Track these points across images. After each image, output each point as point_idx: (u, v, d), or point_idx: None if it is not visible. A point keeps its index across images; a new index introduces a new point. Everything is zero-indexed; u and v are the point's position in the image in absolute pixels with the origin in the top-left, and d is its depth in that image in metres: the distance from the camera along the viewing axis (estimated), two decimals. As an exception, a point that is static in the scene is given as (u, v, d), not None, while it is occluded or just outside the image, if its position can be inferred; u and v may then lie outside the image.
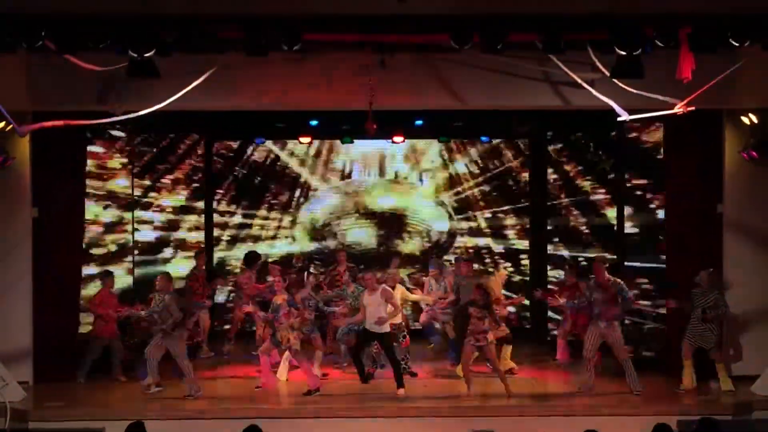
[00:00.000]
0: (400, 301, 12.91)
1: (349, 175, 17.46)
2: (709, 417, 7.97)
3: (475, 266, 14.46)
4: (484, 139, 17.14)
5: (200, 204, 16.79)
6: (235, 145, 17.21)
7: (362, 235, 17.39)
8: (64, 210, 12.77)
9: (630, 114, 11.16)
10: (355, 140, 16.46)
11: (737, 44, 10.27)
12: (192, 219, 16.76)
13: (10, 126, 11.32)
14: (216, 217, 17.10)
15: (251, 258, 14.46)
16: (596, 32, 10.61)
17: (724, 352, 12.15)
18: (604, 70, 10.79)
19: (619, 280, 11.83)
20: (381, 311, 11.94)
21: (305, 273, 13.51)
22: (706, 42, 10.36)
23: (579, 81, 11.13)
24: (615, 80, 10.75)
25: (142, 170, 15.75)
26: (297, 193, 17.37)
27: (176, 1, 10.51)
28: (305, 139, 16.52)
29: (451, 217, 17.40)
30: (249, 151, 17.26)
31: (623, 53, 10.23)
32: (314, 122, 15.73)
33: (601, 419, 10.46)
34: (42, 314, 12.52)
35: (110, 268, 13.87)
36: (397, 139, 16.21)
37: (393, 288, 12.77)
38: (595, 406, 11.25)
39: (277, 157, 17.31)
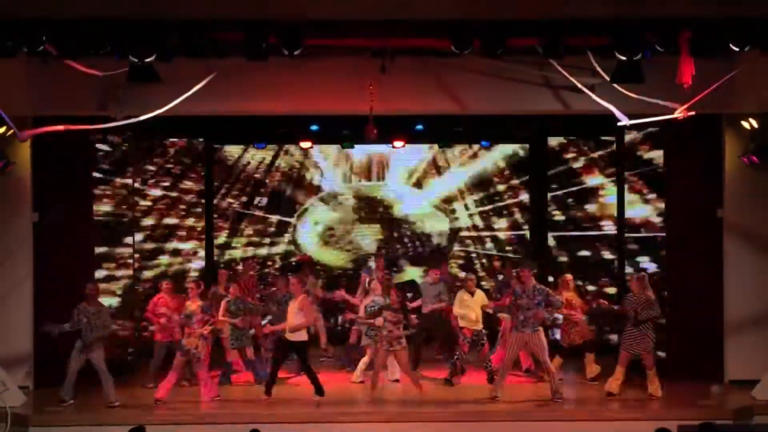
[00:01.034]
0: (481, 307, 12.68)
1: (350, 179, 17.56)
2: (709, 422, 7.95)
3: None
4: (484, 143, 17.20)
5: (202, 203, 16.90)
6: (240, 149, 17.27)
7: (365, 241, 17.44)
8: (65, 214, 12.77)
9: (630, 119, 11.17)
10: (355, 145, 16.47)
11: (737, 49, 10.27)
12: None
13: (11, 131, 11.34)
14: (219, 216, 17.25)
15: (299, 264, 14.64)
16: (596, 37, 10.62)
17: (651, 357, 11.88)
18: (604, 75, 10.80)
19: (545, 288, 11.71)
20: (296, 319, 11.70)
21: (367, 278, 13.38)
22: (705, 47, 10.36)
23: (579, 86, 11.15)
24: (615, 85, 10.76)
25: (142, 174, 15.78)
26: (304, 197, 17.43)
27: (177, 6, 10.52)
28: (306, 144, 16.55)
29: (452, 222, 17.46)
30: (253, 156, 17.35)
31: (623, 58, 10.23)
32: (315, 127, 15.75)
33: (602, 424, 10.47)
34: (43, 319, 12.49)
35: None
36: (398, 143, 16.22)
37: (472, 294, 12.64)
38: (596, 412, 11.24)
39: (283, 162, 17.39)
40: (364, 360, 12.86)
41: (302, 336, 11.80)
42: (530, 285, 11.55)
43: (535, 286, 11.57)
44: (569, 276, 13.13)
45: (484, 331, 12.84)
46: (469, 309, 12.64)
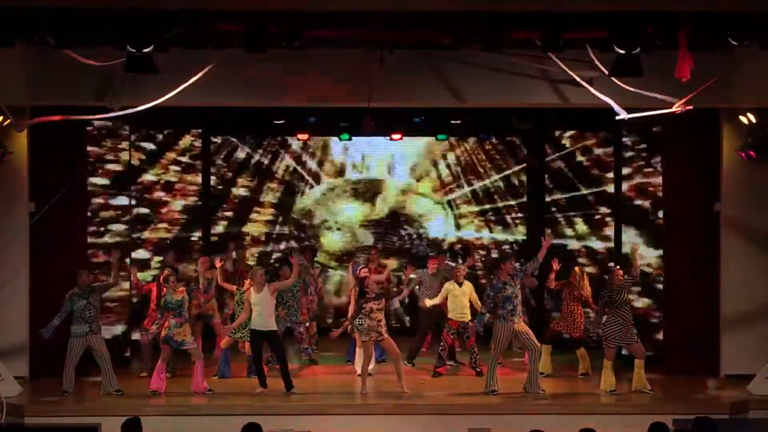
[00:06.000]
0: (469, 299, 12.63)
1: (343, 172, 17.54)
2: (705, 416, 7.96)
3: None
4: (483, 136, 17.19)
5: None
6: (234, 140, 17.25)
7: (361, 233, 17.47)
8: (62, 204, 12.74)
9: (628, 113, 11.16)
10: (352, 137, 16.45)
11: (736, 43, 10.26)
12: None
13: (8, 120, 11.31)
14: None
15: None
16: (595, 30, 10.61)
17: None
18: (602, 68, 10.79)
19: (520, 267, 11.81)
20: (270, 308, 11.61)
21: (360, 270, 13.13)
22: (704, 41, 10.35)
23: (578, 79, 11.13)
24: (614, 78, 10.75)
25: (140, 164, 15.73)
26: (295, 189, 17.41)
27: (175, -4, 10.50)
28: (303, 136, 16.55)
29: (452, 218, 17.47)
30: (247, 147, 17.34)
31: (622, 52, 10.22)
32: (312, 119, 15.71)
33: (598, 417, 10.45)
34: (39, 309, 12.49)
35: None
36: (396, 136, 16.21)
37: (460, 284, 12.58)
38: (592, 405, 11.26)
39: (277, 153, 17.36)
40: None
41: (272, 325, 11.66)
42: (506, 276, 11.60)
43: (515, 269, 11.64)
44: (579, 269, 13.09)
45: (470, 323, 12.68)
46: (456, 300, 12.61)
